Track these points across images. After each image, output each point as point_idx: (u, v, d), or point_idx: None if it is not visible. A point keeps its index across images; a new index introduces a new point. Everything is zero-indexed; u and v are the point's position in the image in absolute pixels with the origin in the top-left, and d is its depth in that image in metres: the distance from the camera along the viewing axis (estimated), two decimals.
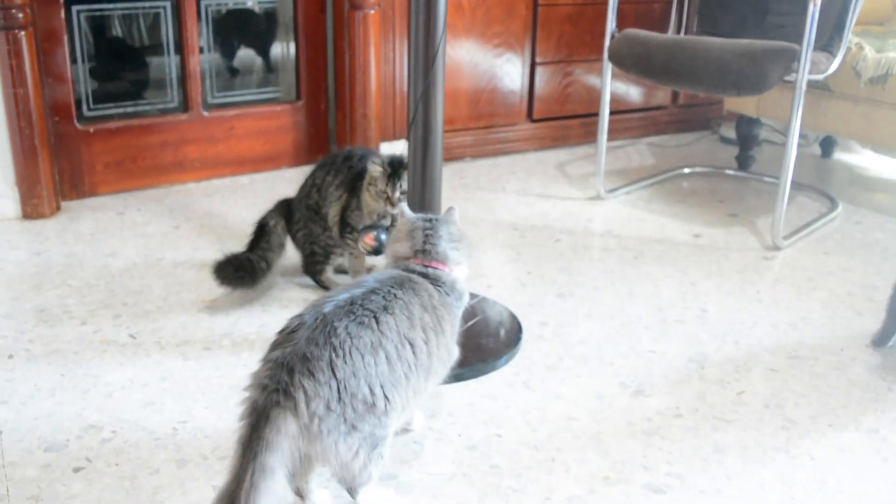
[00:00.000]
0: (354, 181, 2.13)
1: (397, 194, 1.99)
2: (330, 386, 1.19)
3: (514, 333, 1.94)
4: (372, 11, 2.91)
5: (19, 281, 2.19)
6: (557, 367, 1.84)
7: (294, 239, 2.21)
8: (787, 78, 2.38)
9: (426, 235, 1.48)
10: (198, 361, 1.82)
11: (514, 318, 2.02)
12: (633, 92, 3.60)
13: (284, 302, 2.11)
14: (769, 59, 2.34)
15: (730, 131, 3.68)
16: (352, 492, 1.29)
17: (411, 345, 1.31)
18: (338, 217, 2.14)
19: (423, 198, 1.81)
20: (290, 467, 1.19)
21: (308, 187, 2.18)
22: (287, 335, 1.27)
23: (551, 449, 1.56)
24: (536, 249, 2.48)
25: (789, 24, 2.80)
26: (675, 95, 3.74)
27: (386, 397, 1.26)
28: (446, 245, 1.49)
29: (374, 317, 1.28)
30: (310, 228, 2.16)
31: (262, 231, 2.19)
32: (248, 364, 1.81)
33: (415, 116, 1.75)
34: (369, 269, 2.20)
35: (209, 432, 1.57)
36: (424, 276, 1.45)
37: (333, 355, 1.21)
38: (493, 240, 2.54)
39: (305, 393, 1.18)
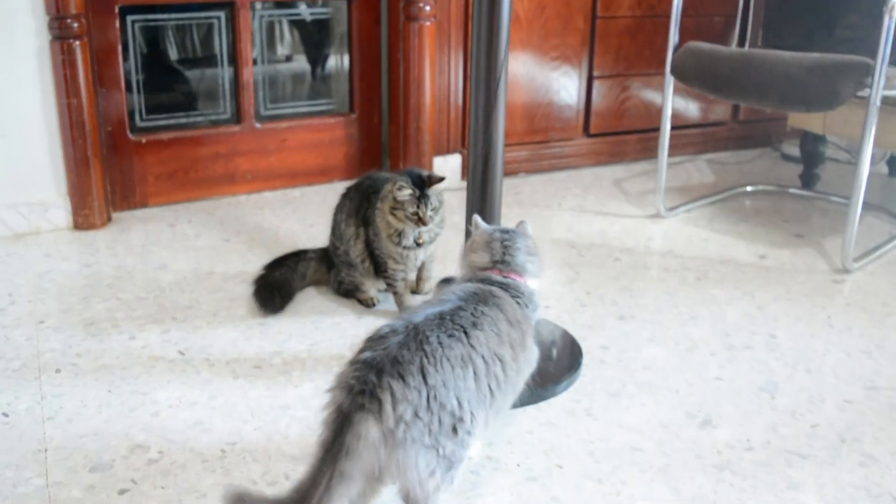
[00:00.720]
0: (360, 206, 2.07)
1: (429, 212, 1.93)
2: (420, 392, 1.16)
3: (575, 357, 1.86)
4: (428, 23, 2.86)
5: (69, 293, 2.16)
6: (620, 394, 1.76)
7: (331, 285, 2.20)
8: (859, 94, 2.27)
9: (505, 247, 1.48)
10: (248, 380, 1.77)
11: (573, 341, 1.94)
12: (691, 107, 3.50)
13: (337, 319, 2.05)
14: (841, 74, 2.24)
15: (792, 148, 3.56)
16: None
17: (501, 361, 1.30)
18: (364, 254, 2.08)
19: (483, 214, 1.74)
20: (362, 483, 1.16)
21: (331, 231, 2.17)
22: (377, 340, 1.24)
23: (616, 482, 1.48)
24: (595, 269, 2.39)
25: (859, 37, 2.69)
26: (735, 111, 3.63)
27: (472, 413, 1.22)
28: (524, 257, 1.49)
29: (464, 331, 1.26)
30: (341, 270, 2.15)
31: (295, 255, 2.20)
32: (298, 384, 1.75)
33: (475, 131, 1.68)
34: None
35: (258, 455, 1.52)
36: (504, 287, 1.43)
37: (425, 361, 1.19)
38: (550, 258, 2.46)
39: (393, 395, 1.14)
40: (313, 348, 1.91)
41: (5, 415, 1.63)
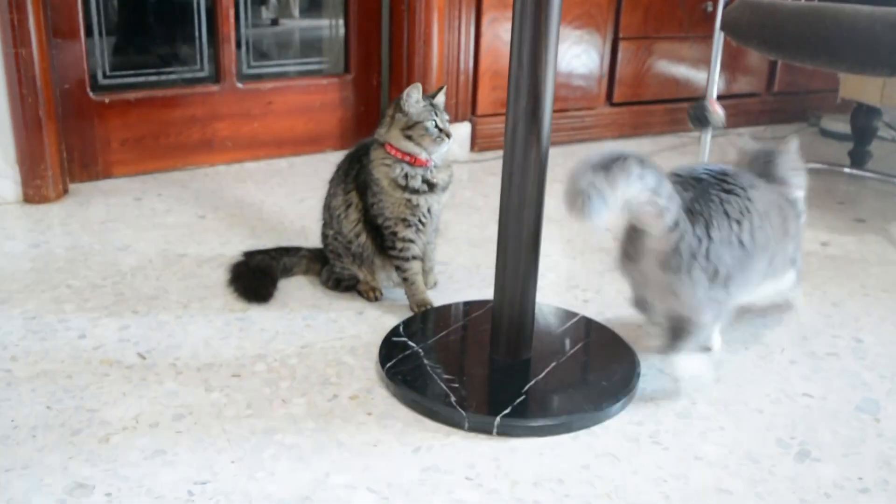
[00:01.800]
0: (349, 171, 1.71)
1: (447, 123, 1.62)
2: (701, 241, 1.31)
3: (629, 366, 1.50)
4: None
5: (10, 279, 1.79)
6: (691, 415, 1.41)
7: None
8: None
9: (766, 163, 1.61)
10: (224, 394, 1.41)
11: (625, 345, 1.58)
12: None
13: (333, 315, 1.69)
14: None
15: (833, 123, 3.22)
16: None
17: (769, 221, 1.41)
18: (360, 227, 1.70)
19: (523, 190, 1.38)
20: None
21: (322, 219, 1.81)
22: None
23: None
24: None
25: None
26: (769, 81, 3.28)
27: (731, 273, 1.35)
28: (785, 171, 1.60)
29: (743, 188, 1.39)
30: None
31: (283, 249, 1.85)
32: (287, 399, 1.39)
33: (517, 81, 1.32)
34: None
35: (236, 498, 1.16)
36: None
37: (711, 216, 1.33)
38: (581, 242, 2.11)
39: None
40: (305, 351, 1.55)
41: None
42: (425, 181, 1.63)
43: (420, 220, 1.66)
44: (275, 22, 2.74)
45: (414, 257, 1.68)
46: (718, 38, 2.28)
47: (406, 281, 1.70)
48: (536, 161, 1.36)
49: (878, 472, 1.28)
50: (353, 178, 1.70)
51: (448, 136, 1.61)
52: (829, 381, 1.53)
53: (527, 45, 1.29)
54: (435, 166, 1.64)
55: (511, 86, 1.33)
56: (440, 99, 1.65)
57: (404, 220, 1.65)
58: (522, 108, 1.33)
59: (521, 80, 1.31)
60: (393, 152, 1.62)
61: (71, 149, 2.33)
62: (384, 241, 1.68)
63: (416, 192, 1.63)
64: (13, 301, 1.69)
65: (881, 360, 1.61)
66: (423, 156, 1.62)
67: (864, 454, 1.33)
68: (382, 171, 1.63)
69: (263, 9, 2.66)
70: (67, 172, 2.31)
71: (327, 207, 1.76)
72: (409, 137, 1.60)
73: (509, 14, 2.63)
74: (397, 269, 1.70)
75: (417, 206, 1.64)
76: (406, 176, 1.62)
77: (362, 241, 1.70)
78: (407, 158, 1.62)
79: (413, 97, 1.60)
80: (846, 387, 1.52)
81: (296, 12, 2.78)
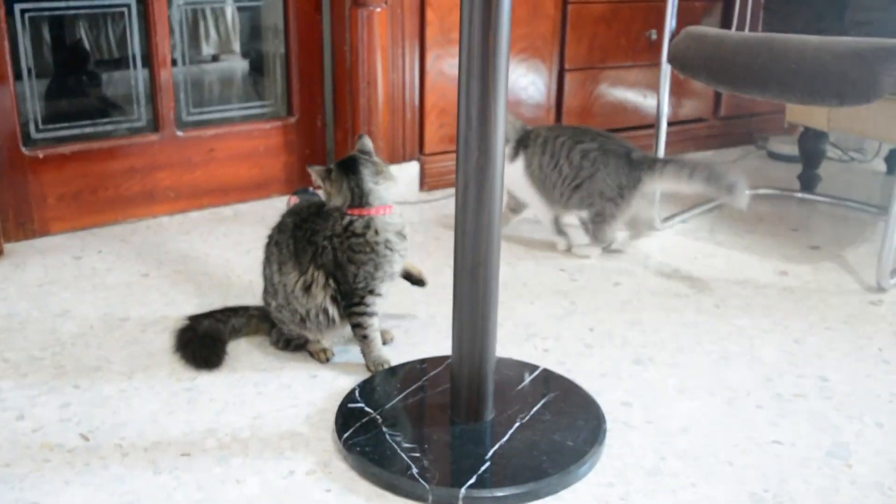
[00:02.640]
0: (300, 247, 1.62)
1: (369, 181, 1.59)
2: None
3: (595, 422, 1.46)
4: (378, 9, 2.44)
5: None
6: (661, 472, 1.37)
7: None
8: None
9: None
10: (173, 475, 1.33)
11: (588, 399, 1.54)
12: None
13: (285, 379, 1.62)
14: (882, 61, 1.89)
15: (780, 146, 3.23)
16: None
17: None
18: (325, 302, 1.61)
19: (478, 242, 1.33)
20: None
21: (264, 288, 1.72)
22: None
23: None
24: (593, 296, 2.00)
25: (876, 19, 2.35)
26: (716, 106, 3.29)
27: None
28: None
29: None
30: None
31: (231, 310, 1.78)
32: (241, 479, 1.32)
33: (466, 135, 1.27)
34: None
35: None
36: None
37: None
38: (537, 283, 2.06)
39: None
40: (257, 422, 1.48)
41: None
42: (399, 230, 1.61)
43: (395, 275, 1.63)
44: (206, 63, 2.67)
45: (375, 313, 1.62)
46: (666, 70, 2.26)
47: (365, 339, 1.63)
48: (489, 219, 1.31)
49: None
50: (311, 259, 1.60)
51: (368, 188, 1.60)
52: (797, 425, 1.50)
53: (475, 103, 1.24)
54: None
55: (460, 144, 1.28)
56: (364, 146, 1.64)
57: (391, 274, 1.61)
58: (472, 167, 1.28)
59: (469, 138, 1.27)
60: (372, 211, 1.57)
61: (4, 207, 2.23)
62: (349, 302, 1.61)
63: (399, 243, 1.61)
64: None
65: (848, 399, 1.59)
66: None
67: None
68: (380, 237, 1.57)
69: (195, 51, 2.59)
70: (1, 232, 2.21)
71: (269, 279, 1.66)
72: (377, 183, 1.58)
73: (453, 50, 2.60)
74: (357, 326, 1.63)
75: (403, 257, 1.62)
76: (396, 232, 1.60)
77: (329, 316, 1.62)
78: (383, 210, 1.59)
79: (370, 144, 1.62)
80: (815, 430, 1.49)
81: (227, 53, 2.71)
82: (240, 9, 2.67)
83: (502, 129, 1.27)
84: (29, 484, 1.31)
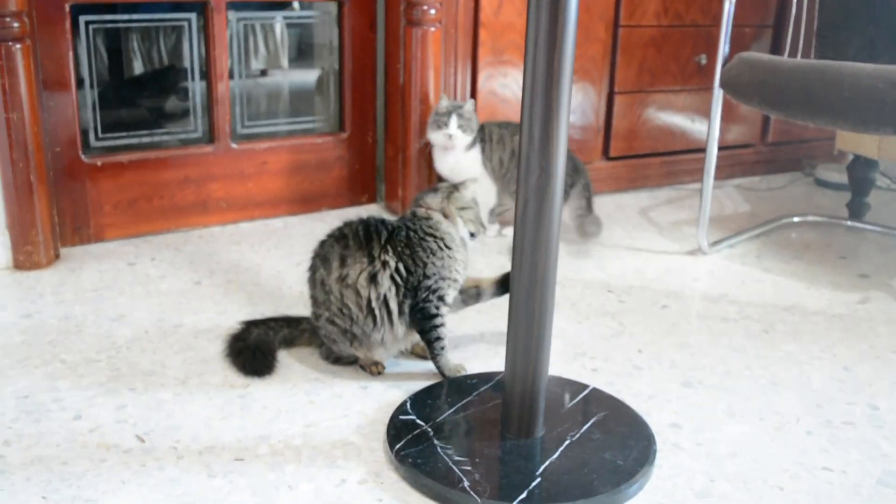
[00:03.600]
0: (371, 238, 1.63)
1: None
2: None
3: (645, 442, 1.46)
4: (433, 29, 2.47)
5: (1, 352, 1.74)
6: (711, 495, 1.36)
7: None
8: None
9: None
10: (227, 479, 1.35)
11: (638, 419, 1.54)
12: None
13: (337, 389, 1.64)
14: None
15: (827, 173, 3.21)
16: None
17: None
18: (377, 301, 1.60)
19: (535, 261, 1.34)
20: None
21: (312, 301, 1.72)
22: None
23: None
24: (641, 318, 2.00)
25: None
26: (763, 132, 3.28)
27: None
28: None
29: None
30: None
31: (284, 320, 1.83)
32: (294, 485, 1.34)
33: (528, 155, 1.29)
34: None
35: None
36: None
37: None
38: (585, 305, 2.07)
39: None
40: (310, 431, 1.50)
41: None
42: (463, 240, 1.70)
43: (461, 279, 1.69)
44: (261, 78, 2.72)
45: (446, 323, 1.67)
46: (718, 95, 2.26)
47: (444, 349, 1.65)
48: (547, 237, 1.33)
49: None
50: (386, 241, 1.61)
51: (473, 235, 1.72)
52: (847, 452, 1.50)
53: (538, 120, 1.26)
54: None
55: (522, 161, 1.30)
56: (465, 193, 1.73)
57: (456, 280, 1.66)
58: (533, 185, 1.30)
59: (531, 155, 1.29)
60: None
61: (62, 212, 2.28)
62: (419, 310, 1.62)
63: (462, 251, 1.69)
64: (5, 378, 1.64)
65: None
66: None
67: None
68: (452, 229, 1.67)
69: (252, 65, 2.64)
70: (59, 237, 2.26)
71: (321, 284, 1.65)
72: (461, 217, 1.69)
73: (504, 70, 2.62)
74: (438, 340, 1.64)
75: (465, 268, 1.68)
76: (462, 240, 1.69)
77: (382, 313, 1.61)
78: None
79: (470, 188, 1.72)
80: (866, 459, 1.48)
81: (282, 69, 2.76)
82: (294, 25, 2.71)
83: (564, 149, 1.29)
84: (86, 482, 1.34)
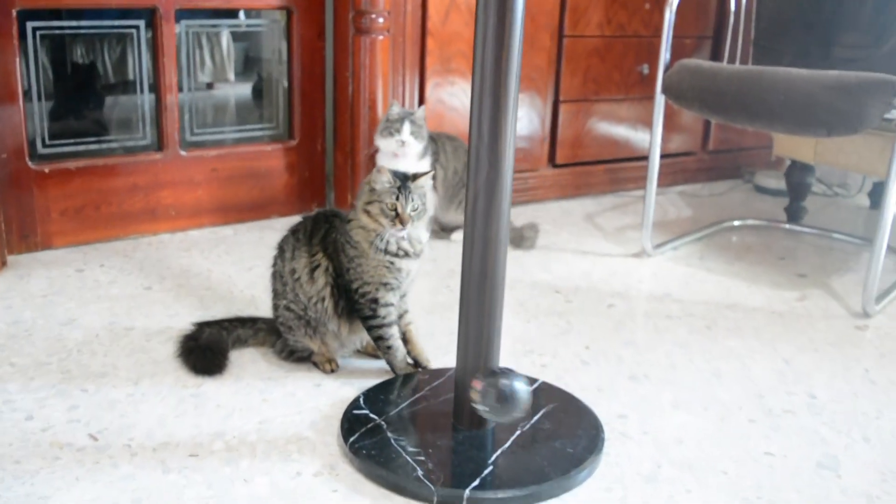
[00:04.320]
0: (315, 231, 1.68)
1: (409, 210, 1.56)
2: None
3: (593, 431, 1.50)
4: (381, 37, 2.51)
5: None
6: (657, 479, 1.41)
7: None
8: (887, 116, 2.00)
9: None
10: (182, 475, 1.36)
11: (587, 410, 1.58)
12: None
13: (289, 388, 1.65)
14: (868, 94, 1.97)
15: (765, 180, 3.31)
16: None
17: None
18: (325, 291, 1.65)
19: (485, 253, 1.38)
20: None
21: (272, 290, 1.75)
22: None
23: None
24: (589, 317, 2.05)
25: (860, 56, 2.44)
26: (704, 140, 3.37)
27: None
28: None
29: None
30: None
31: (238, 320, 1.83)
32: (249, 479, 1.35)
33: (477, 152, 1.33)
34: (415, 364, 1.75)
35: None
36: None
37: None
38: (534, 305, 2.11)
39: None
40: (264, 427, 1.51)
41: None
42: (401, 248, 1.61)
43: (402, 284, 1.64)
44: (210, 86, 2.73)
45: (393, 322, 1.66)
46: (660, 101, 2.33)
47: (390, 349, 1.67)
48: (497, 231, 1.36)
49: None
50: (321, 239, 1.66)
51: (402, 221, 1.56)
52: (788, 438, 1.55)
53: (486, 117, 1.30)
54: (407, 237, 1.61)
55: (471, 158, 1.34)
56: (422, 182, 1.60)
57: (385, 283, 1.62)
58: (483, 180, 1.33)
59: (480, 151, 1.32)
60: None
61: (8, 220, 2.26)
62: (356, 310, 1.65)
63: (395, 255, 1.61)
64: None
65: (837, 417, 1.64)
66: (384, 232, 1.59)
67: None
68: (361, 234, 1.61)
69: (201, 72, 2.65)
70: (5, 244, 2.24)
71: (279, 276, 1.71)
72: (367, 212, 1.59)
73: (452, 79, 2.66)
74: (379, 339, 1.66)
75: (400, 269, 1.62)
76: (383, 240, 1.59)
77: (325, 307, 1.65)
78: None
79: (383, 175, 1.58)
80: (805, 444, 1.54)
81: (231, 76, 2.77)
82: (243, 33, 2.73)
83: (512, 145, 1.33)
84: (40, 479, 1.33)
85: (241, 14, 2.68)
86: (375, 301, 1.63)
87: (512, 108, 1.30)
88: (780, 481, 1.42)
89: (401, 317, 1.70)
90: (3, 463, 1.37)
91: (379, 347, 1.68)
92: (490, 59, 1.28)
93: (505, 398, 1.32)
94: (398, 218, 1.56)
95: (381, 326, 1.65)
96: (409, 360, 1.71)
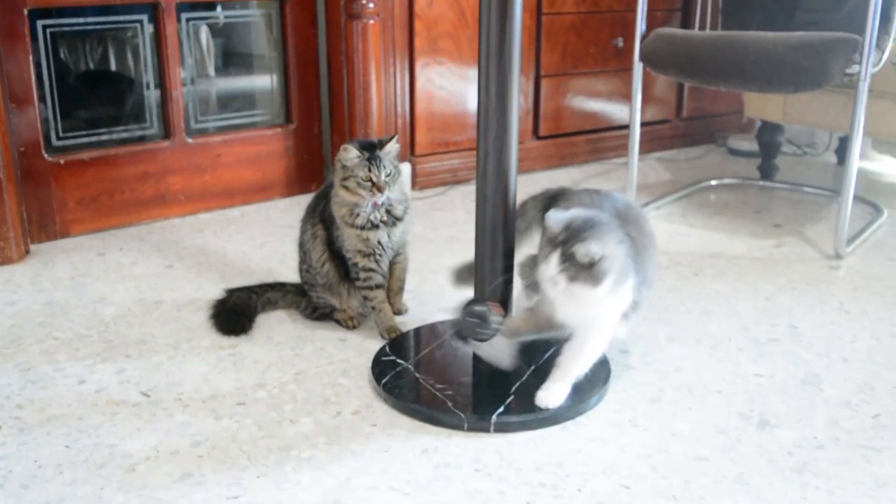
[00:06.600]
0: (317, 206, 1.85)
1: (384, 177, 1.70)
2: None
3: (601, 364, 1.65)
4: (372, 21, 2.64)
5: None
6: (661, 400, 1.57)
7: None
8: (848, 71, 2.17)
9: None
10: (234, 420, 1.50)
11: None
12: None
13: (318, 343, 1.80)
14: (830, 52, 2.13)
15: (737, 143, 3.48)
16: None
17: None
18: (325, 257, 1.82)
19: (496, 211, 1.53)
20: None
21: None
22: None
23: (694, 498, 1.28)
24: None
25: (822, 20, 2.60)
26: (678, 108, 3.54)
27: None
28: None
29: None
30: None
31: (269, 285, 1.99)
32: (295, 420, 1.49)
33: (485, 120, 1.47)
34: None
35: None
36: None
37: None
38: None
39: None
40: (300, 377, 1.65)
41: None
42: (369, 220, 1.75)
43: (375, 252, 1.78)
44: (211, 75, 2.85)
45: (378, 286, 1.81)
46: (638, 68, 2.49)
47: (374, 309, 1.82)
48: (506, 184, 1.51)
49: (830, 432, 1.46)
50: (320, 213, 1.84)
51: (379, 189, 1.70)
52: (774, 361, 1.72)
53: (493, 79, 1.45)
54: (382, 205, 1.75)
55: (480, 118, 1.48)
56: (389, 148, 1.73)
57: (360, 251, 1.78)
58: (493, 137, 1.48)
59: (489, 112, 1.47)
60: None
61: (28, 210, 2.38)
62: (349, 272, 1.81)
63: (363, 228, 1.75)
64: (3, 355, 1.75)
65: (816, 342, 1.80)
66: (362, 203, 1.73)
67: (816, 418, 1.50)
68: (337, 210, 1.77)
69: (202, 62, 2.77)
70: (28, 233, 2.36)
71: (300, 245, 1.88)
72: (345, 187, 1.73)
73: (439, 59, 2.81)
74: (365, 298, 1.82)
75: (367, 239, 1.76)
76: (352, 214, 1.74)
77: (327, 270, 1.82)
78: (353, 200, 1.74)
79: (350, 153, 1.70)
80: (790, 365, 1.70)
81: (230, 65, 2.89)
82: (239, 23, 2.85)
83: (517, 104, 1.48)
84: (104, 431, 1.47)
85: (237, 5, 2.80)
86: (356, 265, 1.79)
87: (516, 70, 1.45)
88: (770, 396, 1.58)
89: (392, 277, 1.88)
90: (67, 420, 1.50)
91: (367, 306, 1.84)
92: (495, 25, 1.42)
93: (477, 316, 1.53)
94: (375, 187, 1.70)
95: (364, 288, 1.81)
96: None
